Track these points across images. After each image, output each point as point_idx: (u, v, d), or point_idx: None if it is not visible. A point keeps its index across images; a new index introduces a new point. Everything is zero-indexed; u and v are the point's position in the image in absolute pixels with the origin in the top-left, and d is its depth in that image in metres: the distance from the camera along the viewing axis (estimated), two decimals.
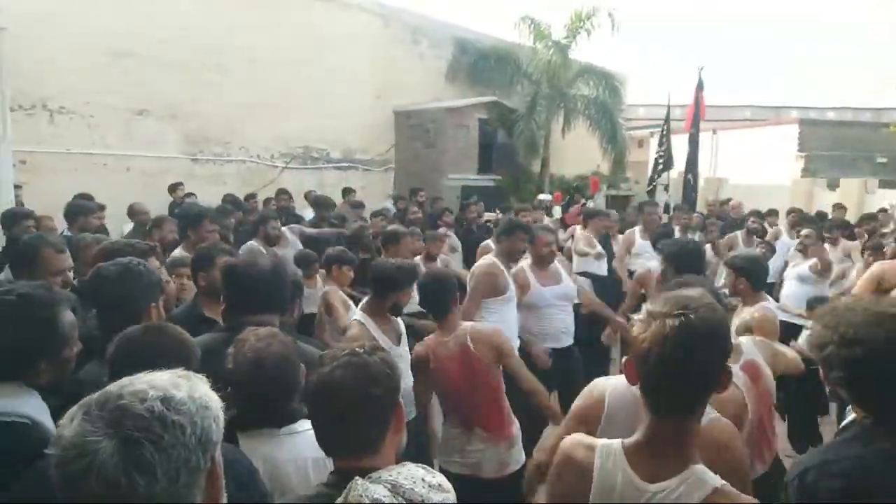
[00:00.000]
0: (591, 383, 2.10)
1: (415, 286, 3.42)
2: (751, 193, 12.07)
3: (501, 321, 3.97)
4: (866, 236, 6.82)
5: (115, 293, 2.25)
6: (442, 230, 7.21)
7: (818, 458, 1.56)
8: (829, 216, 8.66)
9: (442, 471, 2.99)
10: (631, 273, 6.06)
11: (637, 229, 6.78)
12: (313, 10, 12.20)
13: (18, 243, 3.18)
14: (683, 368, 1.32)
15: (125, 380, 0.96)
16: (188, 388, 0.96)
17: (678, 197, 11.97)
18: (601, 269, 6.53)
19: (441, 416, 3.24)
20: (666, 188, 12.33)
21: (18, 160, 8.18)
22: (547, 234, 4.62)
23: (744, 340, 2.68)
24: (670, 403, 1.37)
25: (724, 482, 1.33)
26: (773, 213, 8.61)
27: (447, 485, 1.38)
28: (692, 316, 1.32)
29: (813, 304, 4.64)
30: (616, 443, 1.44)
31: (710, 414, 1.76)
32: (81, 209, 5.44)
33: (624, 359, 1.44)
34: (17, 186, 6.98)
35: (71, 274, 3.05)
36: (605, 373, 4.69)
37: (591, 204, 10.85)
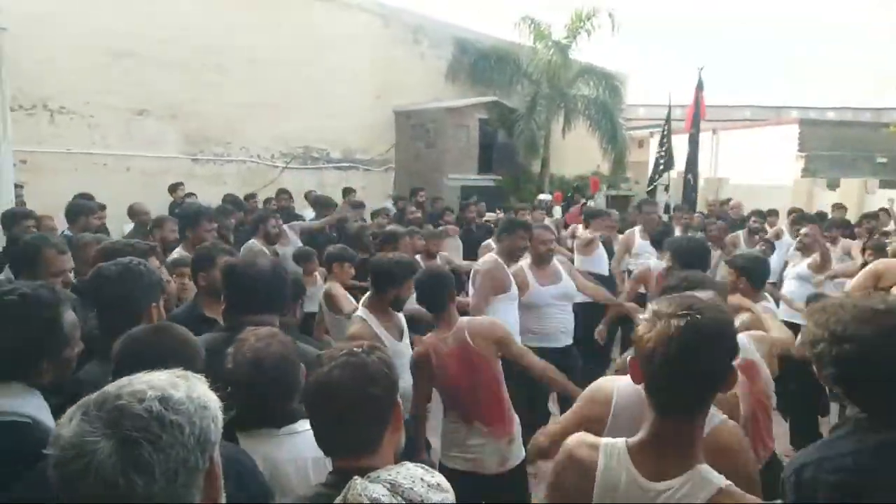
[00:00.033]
0: (595, 384, 2.07)
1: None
2: (751, 193, 12.06)
3: (503, 320, 3.97)
4: (866, 235, 6.82)
5: (116, 293, 2.26)
6: (450, 227, 7.29)
7: (814, 455, 1.57)
8: (829, 216, 8.65)
9: (442, 466, 3.00)
10: (630, 273, 6.07)
11: (637, 229, 6.78)
12: (313, 10, 12.21)
13: (19, 243, 3.18)
14: (688, 369, 1.33)
15: (123, 380, 0.96)
16: (186, 388, 0.96)
17: (678, 197, 11.97)
18: (602, 268, 6.53)
19: (441, 411, 3.24)
20: (666, 188, 12.33)
21: (19, 160, 8.19)
22: (545, 232, 4.63)
23: (742, 338, 2.69)
24: (675, 403, 1.37)
25: (728, 482, 1.33)
26: (773, 213, 8.61)
27: (446, 484, 1.38)
28: (698, 316, 1.32)
29: (812, 302, 4.64)
30: (620, 441, 1.44)
31: (718, 416, 1.75)
32: (82, 209, 5.44)
33: (629, 357, 1.44)
34: (19, 186, 6.99)
35: (71, 274, 3.05)
36: (605, 372, 4.69)
37: (591, 204, 10.85)
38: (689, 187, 11.98)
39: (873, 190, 13.69)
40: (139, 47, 10.27)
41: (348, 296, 4.45)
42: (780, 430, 4.51)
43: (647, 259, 5.98)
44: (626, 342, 5.89)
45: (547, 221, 7.74)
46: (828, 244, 5.96)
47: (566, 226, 8.68)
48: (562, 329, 4.44)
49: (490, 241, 5.78)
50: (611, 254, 6.76)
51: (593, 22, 13.51)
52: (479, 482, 2.95)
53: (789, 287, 5.66)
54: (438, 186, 12.13)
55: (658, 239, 5.88)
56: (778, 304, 5.29)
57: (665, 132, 12.15)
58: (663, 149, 12.14)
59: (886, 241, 5.76)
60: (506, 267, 4.26)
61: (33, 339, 1.73)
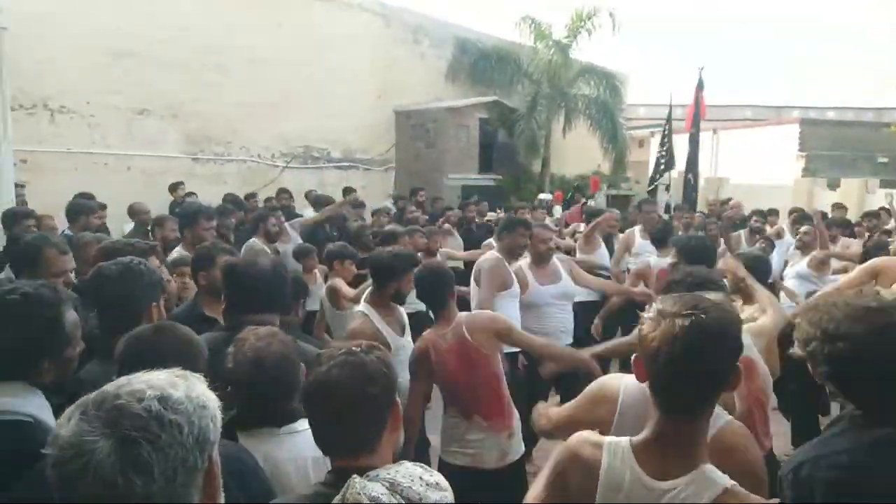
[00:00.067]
0: (602, 381, 2.03)
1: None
2: (751, 193, 12.06)
3: (505, 315, 3.98)
4: (867, 234, 6.82)
5: (116, 293, 2.26)
6: (445, 226, 7.31)
7: (811, 453, 1.58)
8: (829, 216, 8.65)
9: (442, 462, 3.00)
10: (629, 272, 6.06)
11: (636, 229, 6.77)
12: (313, 9, 12.21)
13: (20, 243, 3.18)
14: (692, 368, 1.33)
15: (122, 379, 0.96)
16: (185, 387, 0.96)
17: (678, 197, 11.97)
18: (605, 265, 6.52)
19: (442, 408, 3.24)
20: (667, 188, 12.34)
21: (19, 159, 8.19)
22: (544, 231, 4.64)
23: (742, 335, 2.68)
24: (679, 402, 1.37)
25: (734, 483, 1.33)
26: (773, 212, 8.61)
27: (445, 483, 1.38)
28: (702, 316, 1.32)
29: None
30: (624, 440, 1.44)
31: (724, 416, 1.75)
32: (83, 208, 5.44)
33: (633, 356, 1.44)
34: (21, 185, 6.99)
35: (72, 274, 3.05)
36: (605, 371, 4.69)
37: (591, 203, 10.85)
38: (690, 187, 11.99)
39: (874, 190, 13.70)
40: (139, 47, 10.28)
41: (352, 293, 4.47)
42: (781, 429, 4.51)
43: (648, 258, 5.98)
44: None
45: (548, 221, 7.74)
46: (829, 246, 5.95)
47: (567, 225, 8.69)
48: (562, 328, 4.44)
49: (491, 241, 5.78)
50: (612, 253, 6.75)
51: (594, 22, 13.53)
52: (479, 477, 2.95)
53: (790, 286, 5.67)
54: (438, 186, 12.13)
55: (657, 236, 5.87)
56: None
57: (666, 132, 12.16)
58: (664, 149, 12.14)
59: (888, 239, 5.75)
60: (507, 264, 4.27)
61: (35, 338, 1.73)
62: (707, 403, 1.40)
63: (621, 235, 7.03)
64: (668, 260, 4.90)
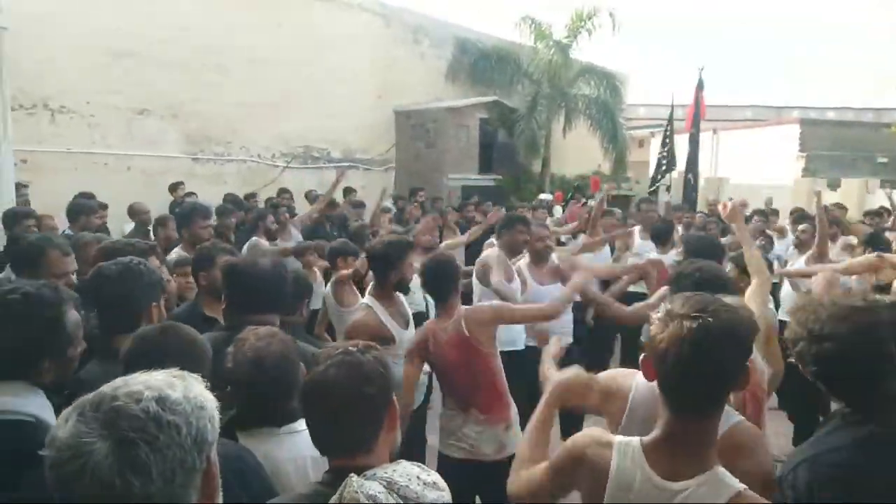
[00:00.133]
0: (613, 377, 2.00)
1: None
2: (752, 193, 12.02)
3: None
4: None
5: (116, 293, 2.25)
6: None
7: (809, 452, 1.58)
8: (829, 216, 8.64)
9: (442, 456, 3.01)
10: None
11: (636, 229, 6.78)
12: (313, 10, 12.21)
13: (22, 243, 3.17)
14: (700, 370, 1.33)
15: (119, 380, 0.96)
16: (183, 388, 0.96)
17: (679, 197, 11.97)
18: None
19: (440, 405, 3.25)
20: (668, 188, 12.34)
21: (19, 159, 8.18)
22: (542, 229, 4.65)
23: None
24: (688, 402, 1.38)
25: (745, 486, 1.33)
26: (773, 212, 8.63)
27: (442, 483, 1.38)
28: (710, 319, 1.32)
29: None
30: (635, 440, 1.44)
31: (735, 416, 1.75)
32: (83, 208, 5.44)
33: (642, 356, 1.44)
34: (24, 185, 6.99)
35: (73, 275, 3.04)
36: (604, 367, 4.70)
37: (591, 203, 10.85)
38: (690, 187, 11.99)
39: (874, 190, 13.70)
40: (139, 47, 10.27)
41: (355, 290, 4.46)
42: (781, 429, 4.51)
43: (648, 255, 5.97)
44: (627, 342, 5.89)
45: (548, 221, 7.74)
46: (828, 243, 5.94)
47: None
48: (561, 328, 4.44)
49: (492, 240, 5.79)
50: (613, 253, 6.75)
51: (594, 22, 13.55)
52: (477, 469, 2.96)
53: (788, 286, 5.65)
54: (438, 186, 12.13)
55: (657, 234, 5.87)
56: (778, 305, 5.29)
57: (668, 132, 12.16)
58: (666, 149, 12.14)
59: (889, 238, 5.74)
60: (508, 260, 4.29)
61: (36, 338, 1.73)
62: (716, 404, 1.40)
63: None
64: (668, 257, 4.92)
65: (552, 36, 13.91)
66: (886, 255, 4.12)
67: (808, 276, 4.59)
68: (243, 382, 1.84)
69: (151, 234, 5.72)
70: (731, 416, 1.71)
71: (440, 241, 6.36)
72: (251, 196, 9.60)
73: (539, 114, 13.30)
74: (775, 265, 6.16)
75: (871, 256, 4.14)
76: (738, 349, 1.36)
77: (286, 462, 1.84)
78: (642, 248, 6.46)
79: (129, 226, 7.15)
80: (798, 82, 65.80)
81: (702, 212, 10.23)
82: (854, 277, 4.26)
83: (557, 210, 10.68)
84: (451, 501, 1.38)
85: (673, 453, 1.38)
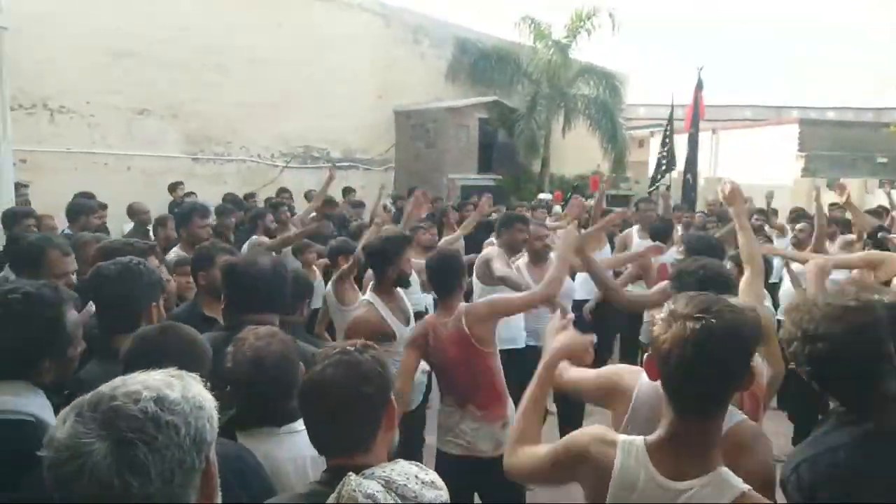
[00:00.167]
0: (619, 374, 1.99)
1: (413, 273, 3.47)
2: (751, 193, 11.98)
3: None
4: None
5: (116, 292, 2.25)
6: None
7: (808, 452, 1.59)
8: (828, 215, 8.64)
9: (440, 453, 3.00)
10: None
11: (635, 229, 6.78)
12: (313, 10, 12.22)
13: (22, 242, 3.17)
14: (703, 371, 1.33)
15: (117, 380, 0.96)
16: (181, 387, 0.96)
17: (678, 197, 11.97)
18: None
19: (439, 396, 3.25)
20: (668, 188, 12.34)
21: (19, 159, 8.19)
22: (540, 228, 4.66)
23: None
24: (691, 403, 1.38)
25: (749, 487, 1.33)
26: (773, 212, 8.62)
27: (440, 482, 1.38)
28: (713, 320, 1.32)
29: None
30: (639, 440, 1.44)
31: (738, 415, 1.75)
32: (83, 208, 5.44)
33: (645, 356, 1.44)
34: (23, 185, 6.98)
35: (73, 275, 3.05)
36: (602, 363, 4.70)
37: (591, 202, 10.84)
38: (689, 187, 12.00)
39: (873, 190, 13.70)
40: (139, 47, 10.28)
41: (355, 287, 4.46)
42: (781, 429, 4.52)
43: None
44: (626, 342, 5.89)
45: (548, 222, 7.74)
46: (826, 241, 5.94)
47: None
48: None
49: (491, 239, 5.79)
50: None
51: (593, 21, 13.56)
52: (475, 466, 2.96)
53: (787, 284, 5.66)
54: (439, 186, 12.14)
55: (656, 232, 5.87)
56: (777, 305, 5.29)
57: (667, 132, 12.16)
58: (665, 149, 12.14)
59: (889, 237, 5.74)
60: (508, 259, 4.30)
61: (36, 337, 1.73)
62: (720, 404, 1.40)
63: (619, 235, 7.04)
64: (667, 256, 4.91)
65: (552, 36, 13.92)
66: (885, 252, 4.12)
67: (802, 261, 4.59)
68: (243, 382, 1.84)
69: (151, 233, 5.73)
70: (733, 415, 1.71)
71: (439, 241, 6.36)
72: (250, 196, 9.60)
73: (539, 114, 13.31)
74: (775, 264, 6.18)
75: (871, 252, 4.14)
76: (741, 350, 1.36)
77: (286, 462, 1.84)
78: (640, 248, 6.47)
79: (129, 226, 7.15)
80: (798, 82, 65.71)
81: (701, 212, 10.23)
82: (854, 272, 4.25)
83: (557, 210, 10.69)
84: (449, 500, 1.38)
85: (677, 453, 1.38)
